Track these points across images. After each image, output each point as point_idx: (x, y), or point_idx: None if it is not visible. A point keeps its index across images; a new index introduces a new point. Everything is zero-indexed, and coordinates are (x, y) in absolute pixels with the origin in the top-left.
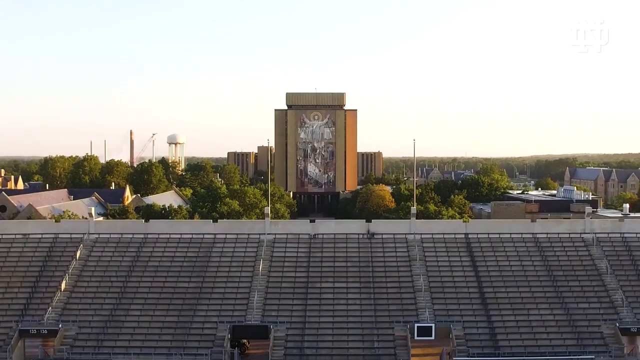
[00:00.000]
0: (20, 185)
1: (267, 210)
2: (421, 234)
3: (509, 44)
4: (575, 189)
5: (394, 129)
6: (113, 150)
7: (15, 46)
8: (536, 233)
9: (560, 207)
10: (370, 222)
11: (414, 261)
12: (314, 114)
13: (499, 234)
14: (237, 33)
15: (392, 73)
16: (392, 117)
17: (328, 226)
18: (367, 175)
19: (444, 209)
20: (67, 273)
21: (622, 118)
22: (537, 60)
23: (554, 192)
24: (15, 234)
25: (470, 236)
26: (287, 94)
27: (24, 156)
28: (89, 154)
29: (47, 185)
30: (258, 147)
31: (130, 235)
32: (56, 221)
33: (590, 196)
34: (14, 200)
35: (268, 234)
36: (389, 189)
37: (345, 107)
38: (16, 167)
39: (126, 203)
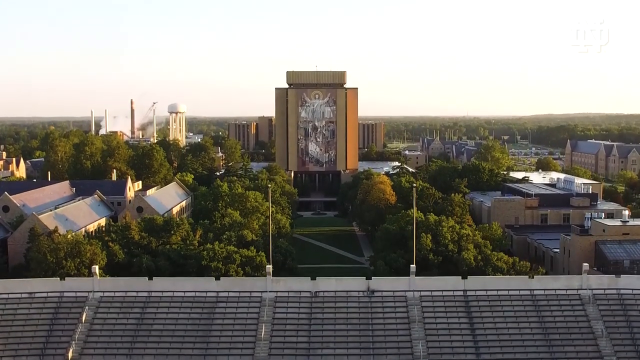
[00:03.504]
0: (22, 168)
1: (269, 268)
2: (420, 290)
3: (510, 3)
4: (576, 180)
5: (395, 88)
6: (118, 112)
7: (16, 6)
8: (533, 289)
9: (560, 202)
10: (371, 279)
11: (413, 323)
12: (314, 92)
13: (497, 290)
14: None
15: (393, 35)
16: (393, 77)
17: (329, 284)
18: (369, 147)
19: (444, 218)
20: (73, 340)
21: (626, 78)
22: (538, 19)
23: (555, 177)
24: (21, 293)
25: (468, 293)
26: (288, 72)
27: (24, 117)
28: (90, 133)
29: (49, 172)
30: (259, 117)
31: (135, 294)
32: (61, 279)
33: (590, 189)
34: (16, 199)
35: (270, 291)
36: (388, 178)
37: (346, 85)
38: (17, 135)
39: (128, 197)
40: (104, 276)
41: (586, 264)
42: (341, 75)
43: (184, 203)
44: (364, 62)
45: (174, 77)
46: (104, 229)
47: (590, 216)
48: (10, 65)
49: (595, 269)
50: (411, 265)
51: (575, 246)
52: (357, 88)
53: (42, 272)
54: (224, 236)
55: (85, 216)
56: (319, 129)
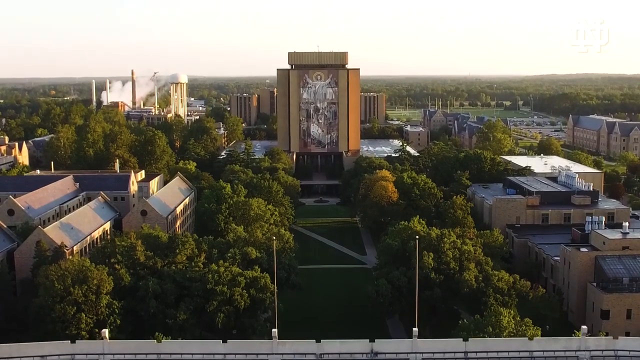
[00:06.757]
0: (25, 152)
1: (275, 332)
2: (422, 352)
3: None
4: (577, 176)
5: (397, 48)
6: (118, 75)
7: None
8: (533, 351)
9: (561, 200)
10: (374, 341)
11: None
12: (316, 74)
13: (497, 352)
14: None
15: None
16: (395, 36)
17: (333, 346)
18: (370, 121)
19: (446, 232)
20: None
21: (631, 37)
22: None
23: (556, 164)
24: (34, 357)
25: (469, 355)
26: (290, 53)
27: (25, 78)
28: (91, 107)
29: (52, 162)
30: (260, 89)
31: (144, 356)
32: (72, 342)
33: (592, 186)
34: (21, 201)
35: (275, 353)
36: (390, 173)
37: (348, 66)
38: (18, 104)
39: (131, 192)
40: (110, 301)
41: (584, 326)
42: (343, 56)
43: (187, 200)
44: (366, 22)
45: (175, 38)
46: (108, 249)
47: (591, 220)
48: (10, 26)
49: (595, 285)
50: (414, 329)
51: (575, 260)
52: (358, 69)
53: (49, 298)
54: (229, 254)
55: (90, 222)
56: (320, 110)
